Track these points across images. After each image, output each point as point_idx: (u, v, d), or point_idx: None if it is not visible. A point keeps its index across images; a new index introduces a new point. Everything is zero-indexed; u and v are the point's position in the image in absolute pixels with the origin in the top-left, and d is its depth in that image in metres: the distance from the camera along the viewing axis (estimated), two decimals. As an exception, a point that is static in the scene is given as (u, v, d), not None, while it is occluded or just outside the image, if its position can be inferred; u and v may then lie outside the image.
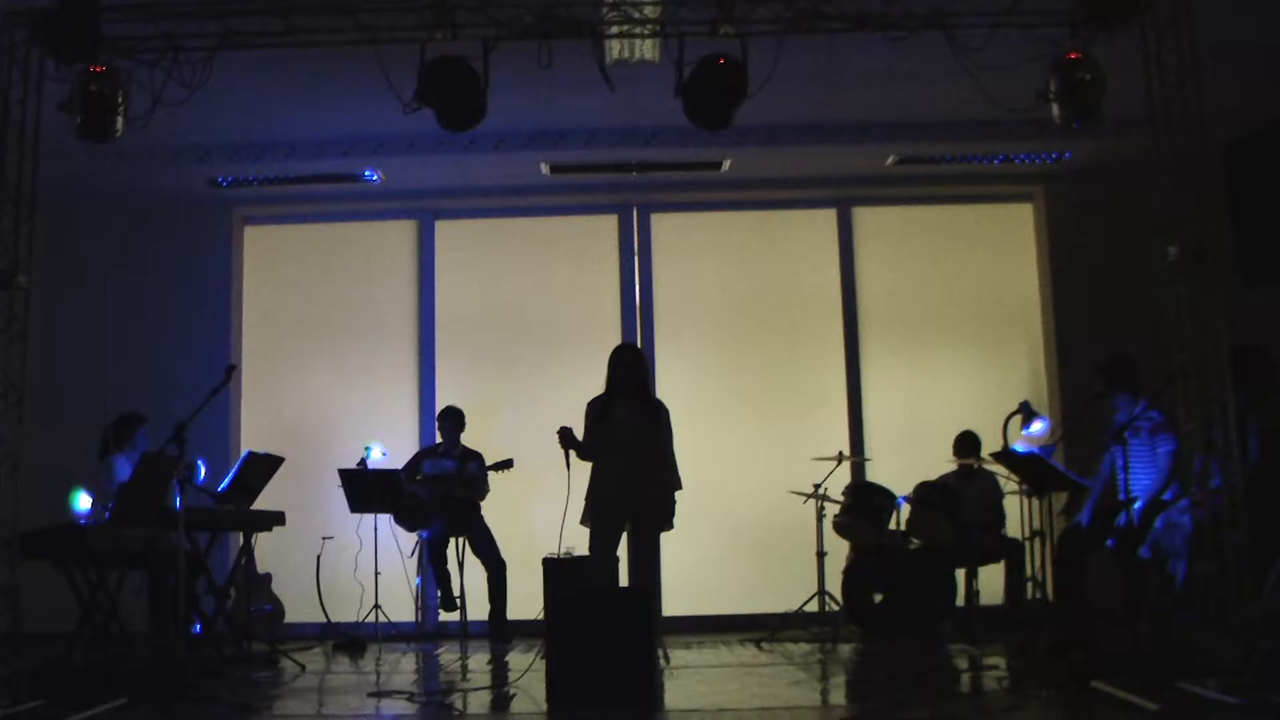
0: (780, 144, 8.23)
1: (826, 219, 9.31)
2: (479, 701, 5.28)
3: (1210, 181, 5.06)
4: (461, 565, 8.49)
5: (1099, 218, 8.74)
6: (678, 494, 6.41)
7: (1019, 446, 6.31)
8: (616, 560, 6.52)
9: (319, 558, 8.29)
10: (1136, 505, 5.75)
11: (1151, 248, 5.36)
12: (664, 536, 8.19)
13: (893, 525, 7.82)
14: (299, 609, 8.41)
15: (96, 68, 5.37)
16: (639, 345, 8.98)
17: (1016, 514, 7.21)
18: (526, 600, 8.20)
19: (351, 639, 7.82)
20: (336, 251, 9.39)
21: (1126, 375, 6.08)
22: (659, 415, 6.36)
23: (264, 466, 7.07)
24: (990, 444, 7.73)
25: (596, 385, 6.47)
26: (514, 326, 9.20)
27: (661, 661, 6.28)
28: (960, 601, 7.64)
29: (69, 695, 5.01)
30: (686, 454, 8.77)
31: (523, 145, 8.23)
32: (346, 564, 8.24)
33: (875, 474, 8.35)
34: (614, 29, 5.66)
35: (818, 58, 6.11)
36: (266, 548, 7.87)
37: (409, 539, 8.45)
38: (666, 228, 9.33)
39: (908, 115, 8.01)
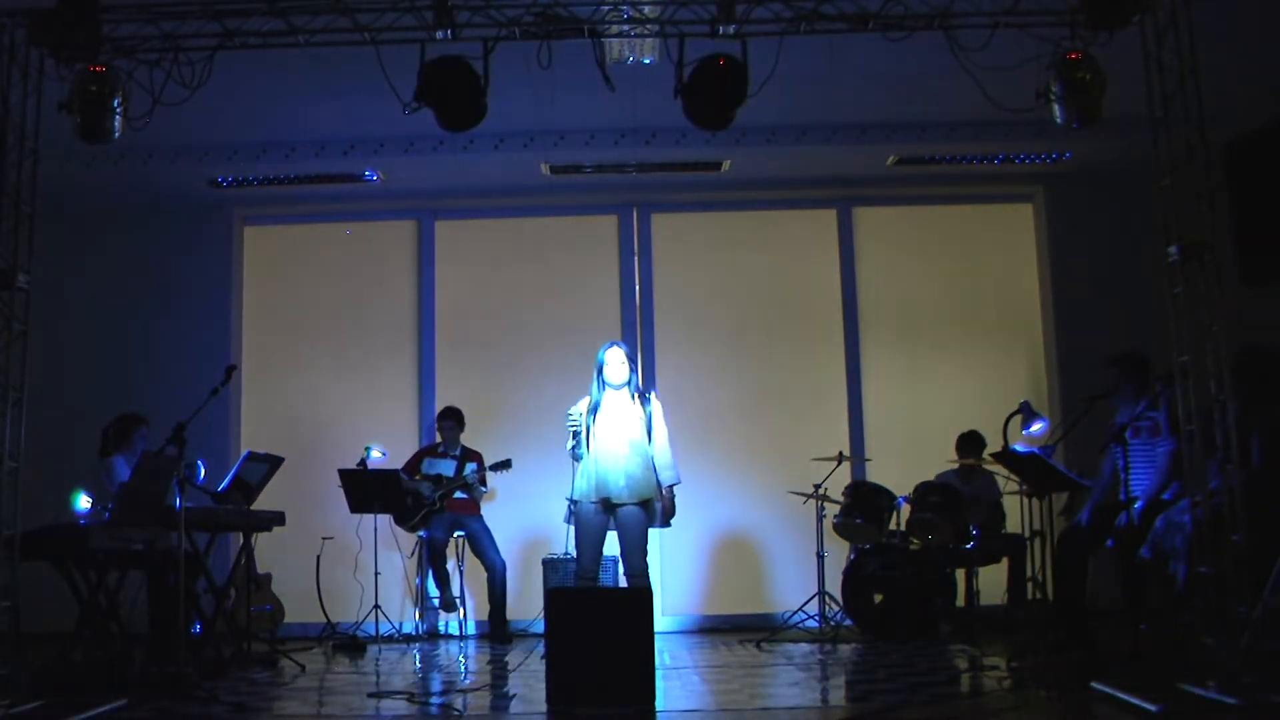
0: (780, 144, 8.23)
1: (826, 219, 9.31)
2: (479, 701, 5.28)
3: (1210, 181, 5.06)
4: (461, 565, 8.50)
5: (1099, 218, 8.75)
6: (677, 490, 6.38)
7: (1019, 446, 6.31)
8: (600, 557, 6.47)
9: (319, 558, 8.30)
10: (1137, 505, 5.76)
11: (1151, 248, 5.37)
12: (664, 537, 8.23)
13: (893, 525, 7.83)
14: (299, 609, 8.41)
15: (96, 68, 5.37)
16: (637, 342, 9.02)
17: (1016, 514, 7.21)
18: (526, 600, 8.24)
19: (351, 639, 7.83)
20: (336, 251, 9.39)
21: (1140, 370, 6.09)
22: (645, 410, 6.35)
23: (264, 466, 7.08)
24: (990, 444, 7.75)
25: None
26: (514, 326, 9.20)
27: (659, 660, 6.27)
28: (960, 601, 7.64)
29: (69, 695, 5.01)
30: (687, 454, 8.79)
31: (523, 145, 8.24)
32: (346, 564, 8.25)
33: (875, 474, 8.35)
34: (614, 29, 5.65)
35: (818, 58, 6.11)
36: (266, 548, 7.87)
37: (409, 539, 8.46)
38: (666, 228, 9.33)
39: (908, 115, 8.01)
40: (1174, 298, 5.18)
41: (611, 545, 6.34)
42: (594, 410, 6.31)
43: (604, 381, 6.33)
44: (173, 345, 8.80)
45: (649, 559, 6.28)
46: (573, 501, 6.29)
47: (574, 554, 6.46)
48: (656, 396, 6.61)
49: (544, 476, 8.07)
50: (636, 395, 6.37)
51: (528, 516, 8.65)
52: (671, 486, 6.32)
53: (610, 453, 6.22)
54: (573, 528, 6.33)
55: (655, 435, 6.32)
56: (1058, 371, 8.84)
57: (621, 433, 6.25)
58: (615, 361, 6.33)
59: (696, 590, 8.87)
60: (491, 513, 8.39)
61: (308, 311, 9.30)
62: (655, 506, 6.26)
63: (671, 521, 6.43)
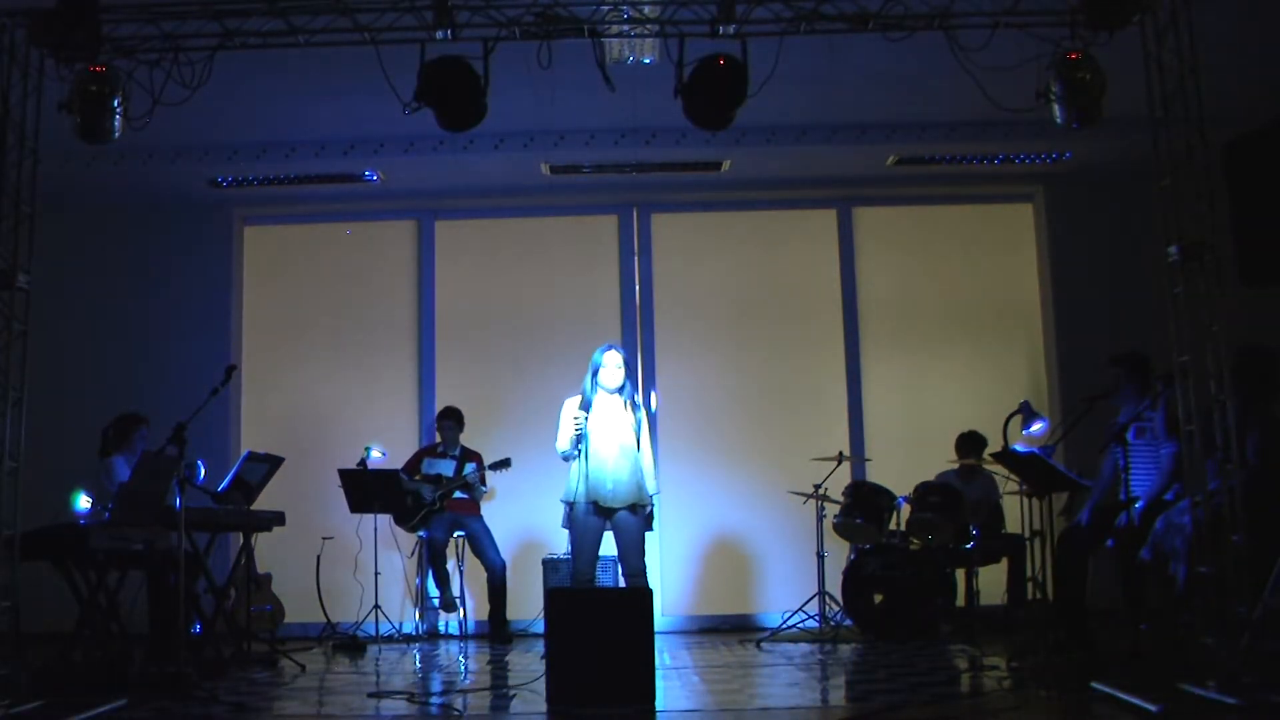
0: (780, 144, 8.23)
1: (826, 219, 9.31)
2: (479, 701, 5.28)
3: (1210, 181, 5.06)
4: (461, 565, 8.50)
5: (1099, 218, 8.75)
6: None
7: (1019, 446, 6.31)
8: (596, 560, 6.46)
9: (319, 558, 8.30)
10: (1137, 505, 5.75)
11: (1151, 248, 5.37)
12: (664, 537, 8.23)
13: (893, 525, 7.83)
14: (299, 609, 8.41)
15: (96, 68, 5.36)
16: (636, 342, 9.03)
17: (1016, 514, 7.21)
18: (526, 600, 8.24)
19: (351, 639, 7.83)
20: (336, 251, 9.39)
21: (1141, 370, 6.10)
22: (636, 416, 6.33)
23: (264, 466, 7.08)
24: (990, 444, 7.75)
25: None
26: (514, 326, 9.20)
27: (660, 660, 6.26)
28: (960, 601, 7.64)
29: (69, 695, 5.01)
30: (687, 454, 8.83)
31: (523, 145, 8.23)
32: (346, 564, 8.25)
33: (875, 474, 8.35)
34: (614, 29, 5.65)
35: (818, 58, 6.11)
36: (266, 548, 7.87)
37: (409, 539, 8.46)
38: (666, 228, 9.33)
39: (908, 115, 8.01)
40: (1174, 298, 5.18)
41: (608, 546, 6.34)
42: (585, 410, 6.27)
43: (597, 383, 6.31)
44: (173, 345, 8.80)
45: (646, 559, 6.28)
46: (568, 504, 6.28)
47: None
48: (644, 406, 6.57)
49: (543, 476, 8.06)
50: (628, 402, 6.35)
51: (527, 516, 8.65)
52: (652, 496, 6.33)
53: (601, 456, 6.19)
54: (568, 532, 6.32)
55: (642, 444, 6.31)
56: (1058, 371, 8.84)
57: (613, 437, 6.23)
58: (612, 365, 6.30)
59: (696, 590, 8.87)
60: (491, 512, 8.39)
61: (308, 311, 9.30)
62: (646, 509, 6.26)
63: (653, 525, 6.44)
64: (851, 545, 7.93)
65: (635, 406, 6.36)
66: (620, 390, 6.30)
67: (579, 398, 6.30)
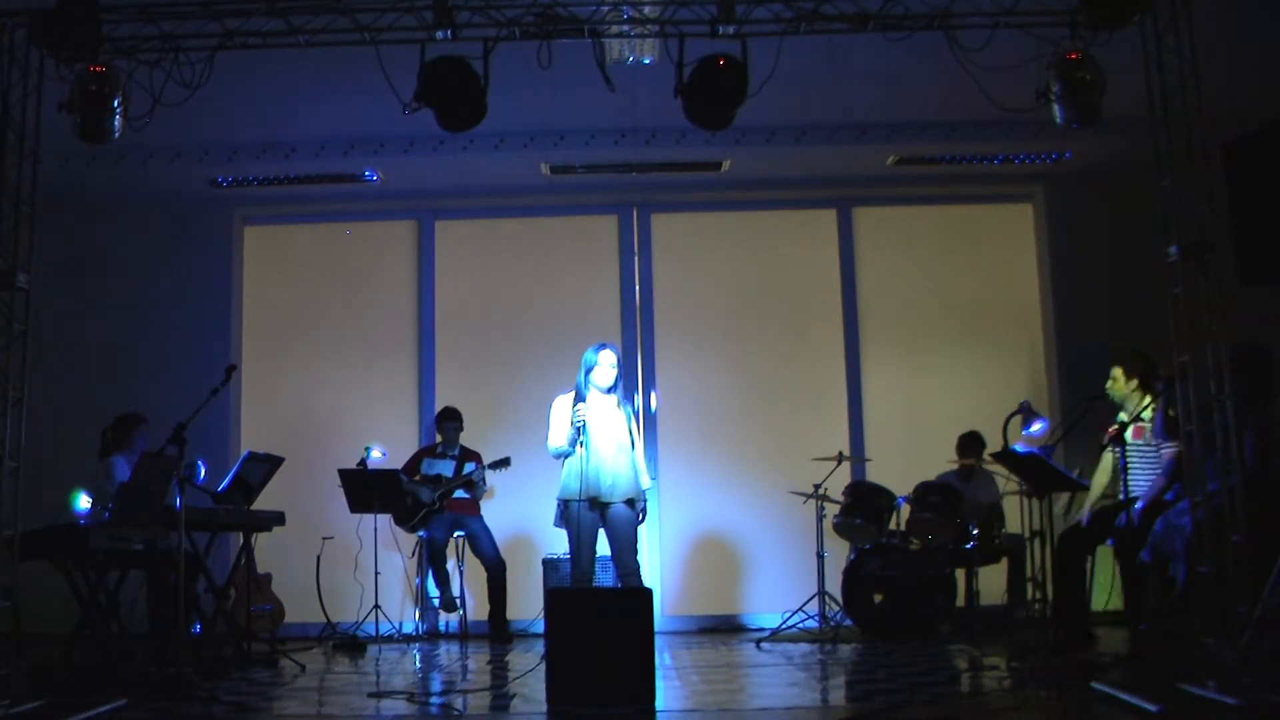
0: (780, 144, 8.23)
1: (826, 219, 9.31)
2: (479, 701, 5.28)
3: (1210, 181, 5.06)
4: (461, 565, 8.50)
5: (1099, 218, 8.75)
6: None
7: (1019, 446, 6.31)
8: (595, 557, 6.47)
9: (319, 558, 8.30)
10: (1137, 505, 5.76)
11: (1151, 248, 5.37)
12: (664, 537, 8.21)
13: (893, 525, 7.83)
14: (299, 609, 8.42)
15: (96, 68, 5.36)
16: (637, 342, 9.02)
17: (1016, 514, 7.22)
18: (526, 600, 8.24)
19: (351, 639, 7.83)
20: (336, 251, 9.39)
21: (1144, 370, 6.10)
22: (628, 413, 6.34)
23: (264, 466, 7.08)
24: (990, 444, 7.75)
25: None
26: (514, 327, 9.20)
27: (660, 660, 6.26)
28: (960, 601, 7.64)
29: (69, 695, 5.02)
30: (686, 454, 8.83)
31: (523, 145, 8.24)
32: (346, 564, 8.25)
33: (875, 474, 8.35)
34: (614, 29, 5.65)
35: (818, 58, 6.11)
36: (266, 548, 7.87)
37: (409, 539, 8.46)
38: (666, 228, 9.33)
39: (908, 115, 8.01)
40: (1174, 298, 5.18)
41: (605, 546, 6.33)
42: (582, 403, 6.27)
43: (590, 381, 6.32)
44: (173, 345, 8.80)
45: (640, 558, 6.29)
46: (563, 502, 6.28)
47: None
48: (632, 402, 6.60)
49: (543, 476, 8.05)
50: (620, 400, 6.35)
51: (527, 516, 8.64)
52: (645, 491, 6.35)
53: (600, 454, 6.21)
54: (565, 530, 6.32)
55: (636, 440, 6.33)
56: (1058, 371, 8.84)
57: (610, 434, 6.24)
58: (607, 364, 6.31)
59: (696, 590, 8.86)
60: (490, 512, 8.39)
61: (308, 311, 9.30)
62: (639, 506, 6.28)
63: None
64: (851, 545, 7.93)
65: (627, 403, 6.37)
66: (613, 389, 6.32)
67: (570, 395, 6.31)
